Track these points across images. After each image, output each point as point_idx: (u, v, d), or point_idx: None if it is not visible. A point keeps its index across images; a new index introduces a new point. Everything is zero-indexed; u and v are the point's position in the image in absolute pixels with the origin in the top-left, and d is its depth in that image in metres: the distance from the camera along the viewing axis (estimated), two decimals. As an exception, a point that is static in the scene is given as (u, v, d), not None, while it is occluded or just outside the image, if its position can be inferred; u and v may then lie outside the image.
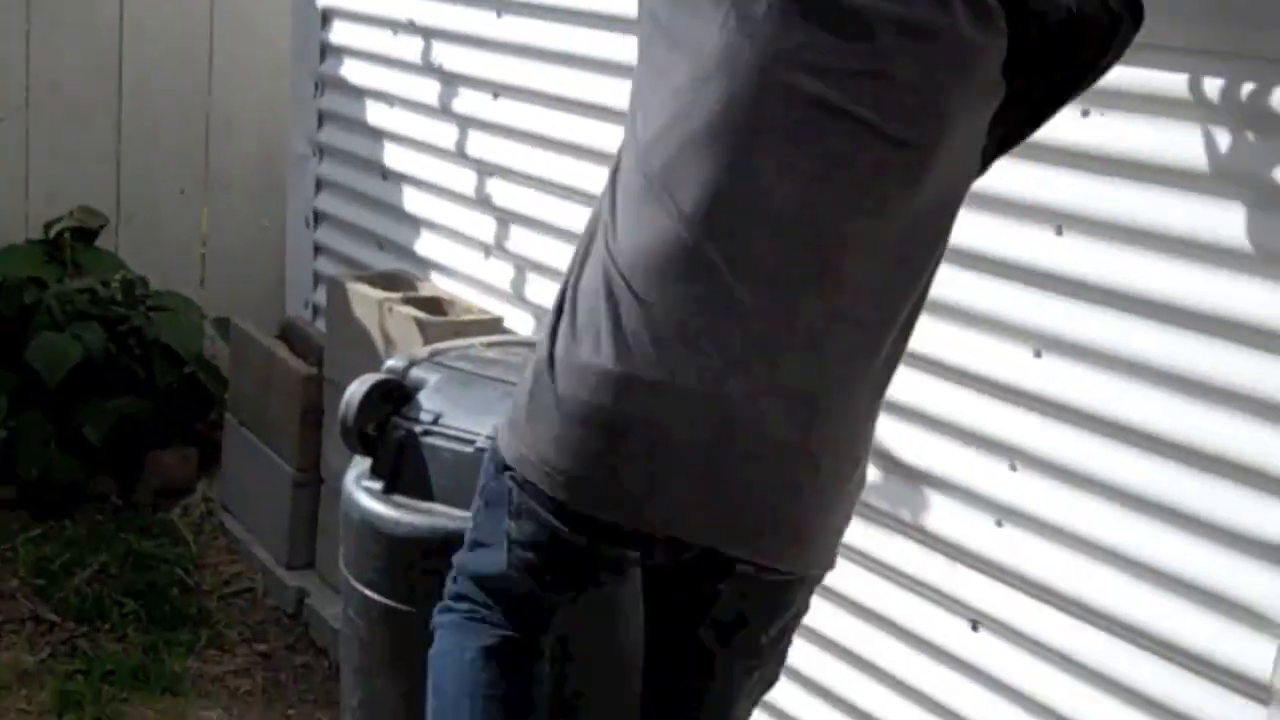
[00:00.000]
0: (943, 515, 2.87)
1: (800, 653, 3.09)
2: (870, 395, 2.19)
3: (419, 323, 3.81)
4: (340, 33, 4.80)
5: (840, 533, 2.26)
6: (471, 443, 2.73)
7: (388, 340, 3.95)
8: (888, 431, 2.96)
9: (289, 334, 4.72)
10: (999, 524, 2.76)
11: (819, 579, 2.28)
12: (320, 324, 4.71)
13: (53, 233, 5.23)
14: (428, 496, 2.78)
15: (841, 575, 3.01)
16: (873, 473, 2.98)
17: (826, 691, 3.13)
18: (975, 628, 2.81)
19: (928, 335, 2.84)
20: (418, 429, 2.79)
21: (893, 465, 2.97)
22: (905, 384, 2.89)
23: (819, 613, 3.06)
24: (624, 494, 2.09)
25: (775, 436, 2.09)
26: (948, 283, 2.78)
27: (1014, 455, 2.74)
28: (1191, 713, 2.46)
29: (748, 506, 2.11)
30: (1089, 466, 2.61)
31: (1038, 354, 2.69)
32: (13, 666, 4.02)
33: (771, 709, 2.64)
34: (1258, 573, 2.36)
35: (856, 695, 3.07)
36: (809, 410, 2.10)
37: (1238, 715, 2.39)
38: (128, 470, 4.93)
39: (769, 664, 2.33)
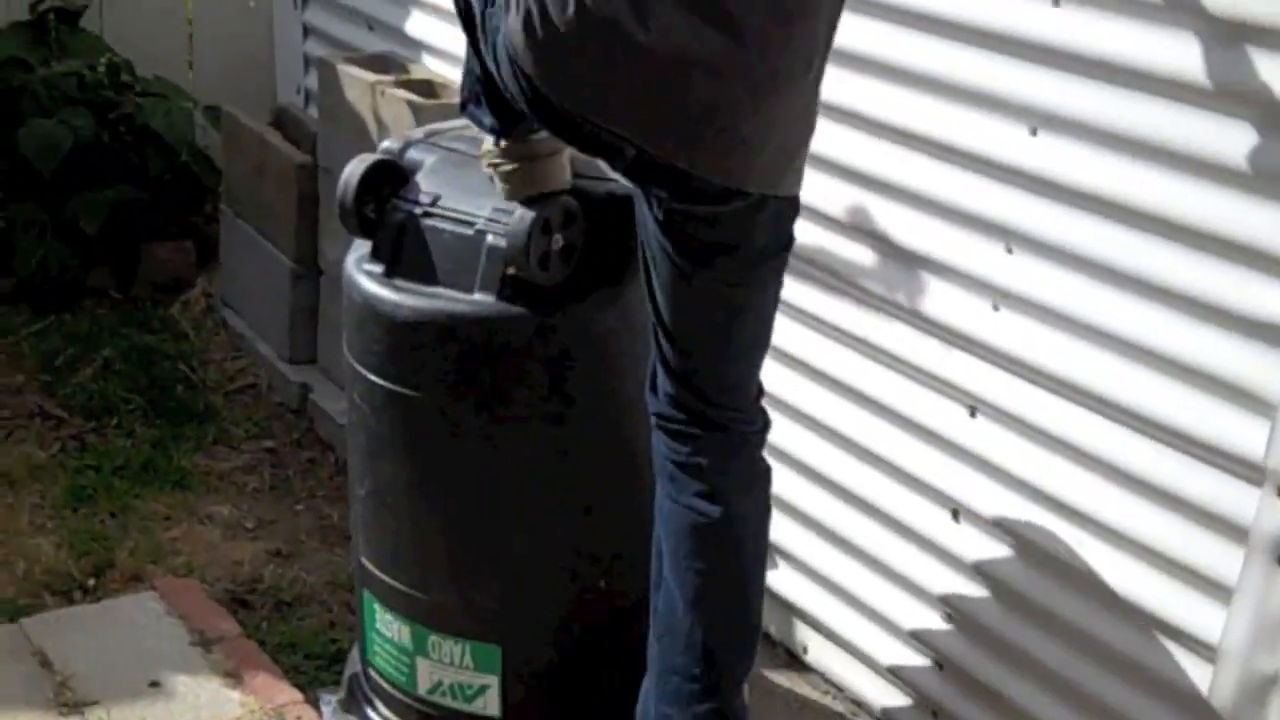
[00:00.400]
0: (939, 299, 2.83)
1: (796, 439, 3.12)
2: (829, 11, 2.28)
3: (412, 105, 3.76)
4: None
5: (787, 152, 2.34)
6: (471, 224, 2.69)
7: (381, 125, 3.89)
8: (882, 213, 2.92)
9: (282, 121, 4.64)
10: (995, 308, 2.73)
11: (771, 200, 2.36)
12: (313, 110, 4.62)
13: (37, 11, 5.11)
14: (429, 279, 2.73)
15: (837, 361, 3.02)
16: (867, 255, 2.96)
17: (823, 478, 3.13)
18: (973, 414, 2.79)
19: (920, 111, 2.80)
20: (417, 210, 2.74)
21: (887, 248, 2.92)
22: (898, 163, 2.86)
23: (813, 397, 3.07)
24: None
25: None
26: (941, 58, 2.74)
27: (1010, 237, 2.69)
28: (1187, 495, 2.46)
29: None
30: (1086, 248, 2.56)
31: (1034, 131, 2.62)
32: (25, 461, 4.06)
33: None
34: (1253, 354, 2.33)
35: (853, 482, 3.07)
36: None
37: (1232, 496, 2.38)
38: (124, 263, 4.89)
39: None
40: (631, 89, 2.23)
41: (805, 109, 2.34)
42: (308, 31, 4.87)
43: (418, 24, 4.29)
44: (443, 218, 2.72)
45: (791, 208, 2.43)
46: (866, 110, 2.92)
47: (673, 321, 2.45)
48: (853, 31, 2.85)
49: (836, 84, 2.89)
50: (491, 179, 2.68)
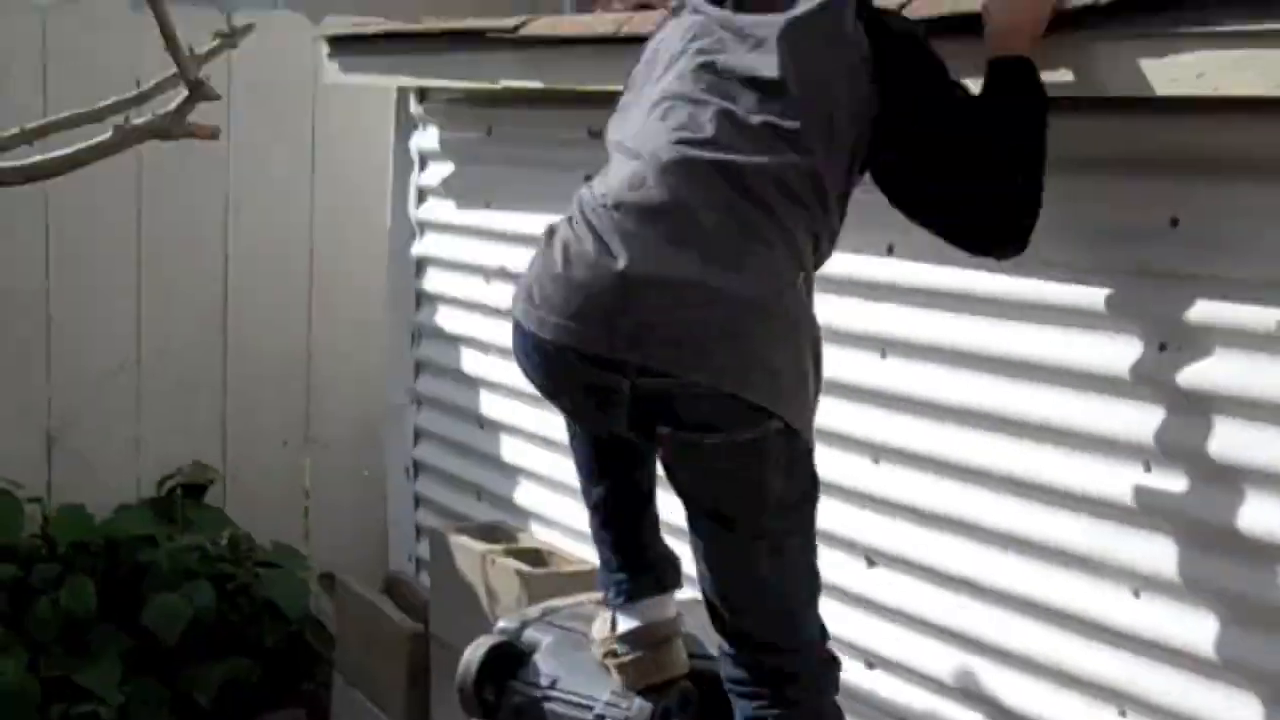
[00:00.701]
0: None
1: None
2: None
3: (521, 575, 3.78)
4: (434, 281, 4.84)
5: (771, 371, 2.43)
6: (590, 708, 2.71)
7: (491, 593, 3.90)
8: (989, 677, 2.89)
9: (393, 589, 4.70)
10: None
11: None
12: (424, 577, 4.69)
13: (164, 489, 5.28)
14: (550, 765, 2.76)
15: None
16: (978, 721, 2.91)
17: None
18: None
19: (1022, 575, 2.80)
20: (536, 694, 2.77)
21: (997, 713, 2.87)
22: (1003, 627, 2.85)
23: None
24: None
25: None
26: (1045, 524, 2.74)
27: (1123, 700, 2.65)
28: None
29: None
30: (1198, 709, 2.52)
31: (1136, 593, 2.62)
32: None
33: None
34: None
35: None
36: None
37: None
38: (237, 733, 4.90)
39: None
40: (617, 311, 2.41)
41: (784, 327, 2.45)
42: (419, 501, 4.98)
43: (526, 493, 4.38)
44: (561, 701, 2.74)
45: (801, 447, 2.48)
46: (972, 575, 2.93)
47: (714, 575, 2.52)
48: (963, 500, 2.92)
49: (949, 552, 2.95)
50: (607, 670, 2.71)
